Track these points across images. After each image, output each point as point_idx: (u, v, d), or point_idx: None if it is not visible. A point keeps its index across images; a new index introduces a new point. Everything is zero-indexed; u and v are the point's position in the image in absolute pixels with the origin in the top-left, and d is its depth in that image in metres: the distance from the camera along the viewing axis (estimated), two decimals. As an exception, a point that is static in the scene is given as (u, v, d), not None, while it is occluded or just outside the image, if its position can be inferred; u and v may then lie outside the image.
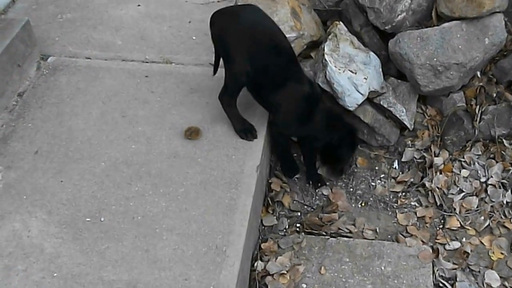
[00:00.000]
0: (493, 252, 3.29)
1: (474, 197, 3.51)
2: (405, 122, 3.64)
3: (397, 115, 3.62)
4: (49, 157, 3.31)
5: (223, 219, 2.97)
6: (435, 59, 3.46)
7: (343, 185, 3.67)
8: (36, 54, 3.96)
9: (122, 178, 3.18)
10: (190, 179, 3.17)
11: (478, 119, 3.62)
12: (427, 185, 3.56)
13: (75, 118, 3.53)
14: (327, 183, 3.65)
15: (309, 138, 3.45)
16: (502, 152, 3.64)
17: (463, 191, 3.53)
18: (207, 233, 2.91)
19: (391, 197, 3.60)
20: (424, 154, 3.66)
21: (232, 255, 2.82)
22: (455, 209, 3.48)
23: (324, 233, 3.36)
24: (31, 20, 3.97)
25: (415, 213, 3.51)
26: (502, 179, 3.55)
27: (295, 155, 3.72)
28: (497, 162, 3.61)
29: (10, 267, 2.81)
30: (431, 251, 3.26)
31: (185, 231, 2.92)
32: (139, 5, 4.57)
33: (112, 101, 3.64)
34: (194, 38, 4.18)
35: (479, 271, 3.21)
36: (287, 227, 3.43)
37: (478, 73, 3.72)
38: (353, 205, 3.57)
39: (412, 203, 3.56)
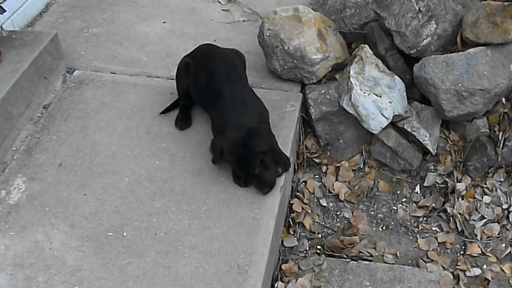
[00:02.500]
0: (514, 280, 3.28)
1: (496, 223, 3.49)
2: (428, 147, 3.62)
3: (420, 140, 3.61)
4: (73, 170, 3.33)
5: (245, 238, 2.96)
6: (460, 85, 3.45)
7: (364, 208, 3.66)
8: (62, 67, 3.99)
9: (146, 194, 3.19)
10: (214, 197, 3.17)
11: (501, 145, 3.60)
12: (448, 210, 3.54)
13: (100, 132, 3.55)
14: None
15: None
16: (525, 179, 3.62)
17: (485, 218, 3.51)
18: (229, 252, 2.90)
19: (412, 221, 3.58)
20: (446, 179, 3.65)
21: (254, 275, 2.81)
22: (476, 235, 3.46)
23: (344, 256, 3.35)
24: (58, 34, 3.99)
25: (436, 238, 3.49)
26: (524, 206, 3.53)
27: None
28: (519, 189, 3.60)
29: (31, 278, 2.82)
30: (451, 277, 3.24)
31: (208, 249, 2.92)
32: (164, 22, 4.60)
33: (136, 117, 3.65)
34: (219, 56, 4.19)
35: (499, 299, 3.20)
36: (307, 248, 3.42)
37: (503, 99, 3.69)
38: (374, 229, 3.56)
39: (433, 228, 3.55)
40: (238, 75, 3.50)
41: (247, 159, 3.10)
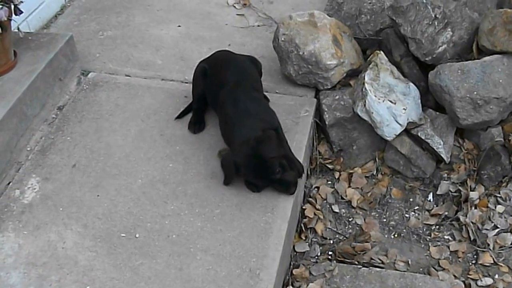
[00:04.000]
0: (526, 291, 3.26)
1: (509, 233, 3.47)
2: (442, 155, 3.62)
3: (434, 147, 3.60)
4: (87, 171, 3.34)
5: (257, 242, 2.96)
6: (475, 93, 3.44)
7: (377, 215, 3.65)
8: (77, 69, 4.01)
9: (159, 196, 3.20)
10: (226, 200, 3.17)
11: (516, 155, 3.60)
12: (461, 219, 3.52)
13: (114, 134, 3.56)
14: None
15: None
16: (539, 189, 3.61)
17: (498, 227, 3.49)
18: (241, 255, 2.90)
19: (424, 229, 3.57)
20: (460, 188, 3.64)
21: (265, 279, 2.81)
22: (488, 244, 3.44)
23: (356, 262, 3.34)
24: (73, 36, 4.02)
25: (448, 247, 3.48)
26: (538, 216, 3.51)
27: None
28: (533, 199, 3.58)
29: (44, 277, 2.83)
30: (463, 286, 3.23)
31: (220, 252, 2.92)
32: (179, 26, 4.61)
33: (151, 119, 3.66)
34: (233, 60, 4.20)
35: (510, 309, 3.18)
36: (319, 254, 3.42)
37: (518, 109, 3.70)
38: (386, 236, 3.55)
39: (446, 237, 3.53)
40: (246, 84, 3.48)
41: (265, 167, 3.10)
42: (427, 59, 3.65)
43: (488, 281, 3.30)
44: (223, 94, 3.39)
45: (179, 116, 3.68)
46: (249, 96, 3.39)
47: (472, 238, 3.48)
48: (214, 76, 3.54)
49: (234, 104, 3.31)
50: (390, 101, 3.51)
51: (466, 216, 3.52)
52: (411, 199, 3.71)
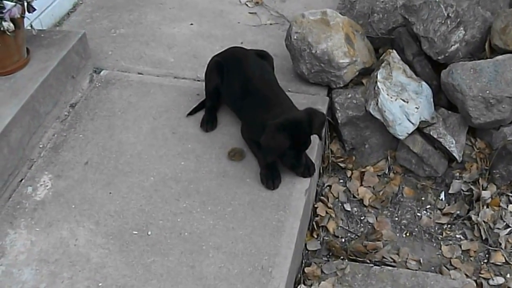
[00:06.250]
0: (538, 290, 3.25)
1: (521, 233, 3.47)
2: (454, 154, 3.61)
3: (446, 146, 3.59)
4: (99, 169, 3.35)
5: (269, 240, 2.96)
6: (487, 92, 3.43)
7: (388, 214, 3.64)
8: (89, 66, 4.02)
9: (171, 193, 3.20)
10: (238, 198, 3.17)
11: (528, 154, 3.59)
12: (473, 218, 3.51)
13: (126, 132, 3.57)
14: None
15: None
16: (551, 188, 3.59)
17: (510, 226, 3.48)
18: (253, 253, 2.90)
19: (436, 228, 3.56)
20: (472, 187, 3.62)
21: (277, 277, 2.81)
22: (500, 244, 3.43)
23: (368, 261, 3.33)
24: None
25: (460, 246, 3.46)
26: (550, 216, 3.50)
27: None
28: (545, 198, 3.57)
29: (56, 273, 2.84)
30: (475, 285, 3.21)
31: (232, 250, 2.92)
32: (191, 24, 4.62)
33: (163, 117, 3.67)
34: (245, 58, 4.20)
35: (522, 309, 3.17)
36: (331, 252, 3.41)
37: (531, 108, 3.68)
38: (398, 235, 3.54)
39: (457, 236, 3.52)
40: (272, 78, 3.56)
41: (307, 142, 3.18)
42: (439, 58, 3.64)
43: (500, 280, 3.29)
44: (253, 85, 3.42)
45: (191, 113, 3.69)
46: (280, 89, 3.49)
47: (483, 237, 3.47)
48: (232, 72, 3.55)
49: (270, 88, 3.40)
50: (403, 100, 3.50)
51: (478, 215, 3.51)
52: (423, 198, 3.70)
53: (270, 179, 3.23)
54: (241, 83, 3.47)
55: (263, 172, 3.27)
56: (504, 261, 3.38)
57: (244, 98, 3.44)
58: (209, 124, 3.58)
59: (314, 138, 3.27)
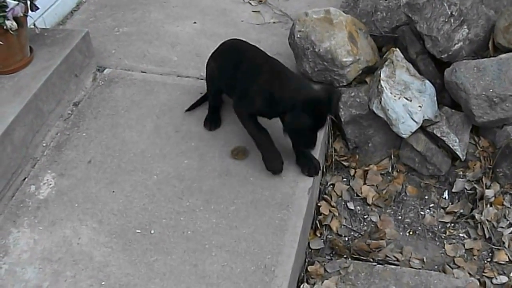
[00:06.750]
0: (541, 289, 3.24)
1: (525, 231, 3.46)
2: (457, 152, 3.60)
3: (450, 145, 3.59)
4: (102, 167, 3.35)
5: (272, 239, 2.96)
6: (491, 90, 3.43)
7: (392, 212, 3.64)
8: (93, 65, 4.02)
9: (174, 192, 3.20)
10: (241, 197, 3.17)
11: (532, 152, 3.58)
12: (476, 217, 3.51)
13: (129, 130, 3.57)
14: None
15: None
16: (555, 187, 3.59)
17: (513, 225, 3.49)
18: (256, 252, 2.90)
19: (439, 227, 3.56)
20: (475, 185, 3.62)
21: (280, 276, 2.81)
22: (504, 242, 3.43)
23: (371, 260, 3.33)
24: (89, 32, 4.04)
25: (463, 244, 3.46)
26: (554, 214, 3.49)
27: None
28: (549, 197, 3.56)
29: (59, 272, 2.85)
30: (478, 284, 3.21)
31: (235, 248, 2.92)
32: (195, 23, 4.62)
33: (166, 116, 3.67)
34: (249, 57, 4.20)
35: (526, 308, 3.17)
36: (334, 251, 3.41)
37: (534, 106, 3.68)
38: (401, 233, 3.54)
39: (461, 235, 3.52)
40: (264, 54, 3.48)
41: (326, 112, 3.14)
42: (443, 56, 3.64)
43: (503, 279, 3.29)
44: (244, 57, 3.41)
45: (190, 109, 3.70)
46: None
47: (487, 236, 3.46)
48: (228, 61, 3.50)
49: (281, 69, 3.31)
50: (406, 99, 3.50)
51: (482, 214, 3.51)
52: (426, 197, 3.70)
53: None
54: (235, 64, 3.41)
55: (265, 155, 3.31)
56: (507, 260, 3.37)
57: (237, 75, 3.38)
58: (213, 123, 3.58)
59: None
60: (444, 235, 3.52)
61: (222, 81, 3.53)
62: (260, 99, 3.19)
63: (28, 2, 3.43)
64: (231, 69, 3.41)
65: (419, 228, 3.56)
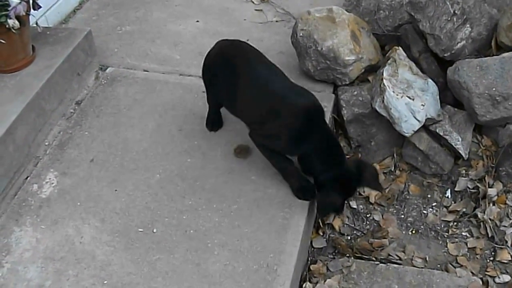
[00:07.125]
0: (544, 288, 3.24)
1: (527, 230, 3.46)
2: (460, 151, 3.60)
3: (453, 144, 3.58)
4: (105, 166, 3.35)
5: (275, 238, 2.96)
6: (493, 89, 3.42)
7: (394, 211, 3.64)
8: (95, 64, 4.02)
9: (176, 191, 3.20)
10: (244, 196, 3.17)
11: (535, 151, 3.58)
12: (479, 216, 3.50)
13: (132, 129, 3.57)
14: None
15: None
16: (558, 186, 3.58)
17: (516, 224, 3.48)
18: (258, 251, 2.90)
19: (442, 226, 3.56)
20: (478, 184, 3.61)
21: (282, 274, 2.80)
22: (506, 241, 3.42)
23: (373, 259, 3.33)
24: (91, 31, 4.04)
25: (466, 243, 3.45)
26: (557, 213, 3.49)
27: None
28: (552, 196, 3.56)
29: (62, 271, 2.84)
30: (481, 283, 3.20)
31: (237, 247, 2.92)
32: (197, 21, 4.62)
33: (168, 114, 3.67)
34: (251, 55, 4.19)
35: (528, 307, 3.16)
36: (336, 250, 3.41)
37: (537, 105, 3.67)
38: (404, 232, 3.53)
39: (463, 234, 3.51)
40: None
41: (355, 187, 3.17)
42: (445, 55, 3.63)
43: (506, 278, 3.28)
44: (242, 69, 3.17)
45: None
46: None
47: (490, 235, 3.46)
48: (224, 72, 3.28)
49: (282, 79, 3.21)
50: (409, 97, 3.49)
51: (484, 212, 3.50)
52: (429, 196, 3.70)
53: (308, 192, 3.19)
54: (232, 81, 3.18)
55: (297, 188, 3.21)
56: (510, 259, 3.37)
57: (238, 93, 3.18)
58: (214, 124, 3.57)
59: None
60: (447, 234, 3.51)
61: (220, 95, 3.38)
62: (286, 139, 3.07)
63: (31, 1, 3.43)
64: (228, 84, 3.21)
65: (422, 227, 3.56)
